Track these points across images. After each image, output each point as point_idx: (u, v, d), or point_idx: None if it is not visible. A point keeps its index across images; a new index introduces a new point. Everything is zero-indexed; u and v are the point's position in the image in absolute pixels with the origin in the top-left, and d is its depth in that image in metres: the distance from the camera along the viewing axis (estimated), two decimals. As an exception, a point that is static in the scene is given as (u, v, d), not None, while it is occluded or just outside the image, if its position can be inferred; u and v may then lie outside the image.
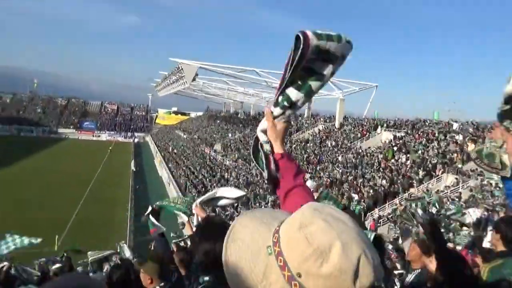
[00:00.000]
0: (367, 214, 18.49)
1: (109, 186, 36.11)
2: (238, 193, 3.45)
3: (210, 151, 45.06)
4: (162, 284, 2.65)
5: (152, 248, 3.38)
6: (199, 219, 3.13)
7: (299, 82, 1.21)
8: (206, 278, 1.70)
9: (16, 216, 24.28)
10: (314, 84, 1.21)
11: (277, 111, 1.27)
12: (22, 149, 53.32)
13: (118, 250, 10.32)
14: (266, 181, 1.34)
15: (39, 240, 7.82)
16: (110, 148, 60.20)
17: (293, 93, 1.22)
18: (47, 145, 63.76)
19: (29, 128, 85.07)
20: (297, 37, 1.12)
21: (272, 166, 1.27)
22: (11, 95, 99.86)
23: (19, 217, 24.08)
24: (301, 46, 1.10)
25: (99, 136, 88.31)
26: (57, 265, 7.68)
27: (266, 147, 1.29)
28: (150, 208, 4.09)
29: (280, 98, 1.25)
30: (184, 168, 40.92)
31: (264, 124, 1.31)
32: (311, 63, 1.17)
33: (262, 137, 1.29)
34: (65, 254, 9.01)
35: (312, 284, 0.65)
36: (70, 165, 45.38)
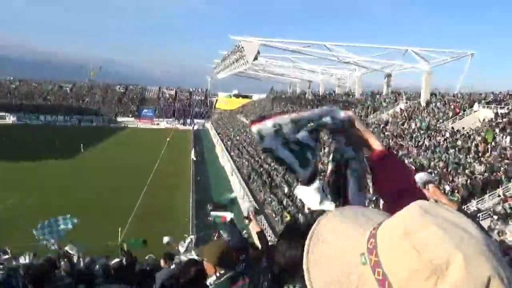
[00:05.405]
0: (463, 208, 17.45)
1: (169, 177, 38.00)
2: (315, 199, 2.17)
3: (275, 137, 45.27)
4: (222, 272, 2.76)
5: (216, 236, 3.52)
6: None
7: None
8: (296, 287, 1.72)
9: (77, 210, 26.65)
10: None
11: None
12: (83, 140, 57.94)
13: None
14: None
15: (75, 221, 8.64)
16: (168, 139, 62.96)
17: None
18: (106, 136, 68.71)
19: (89, 118, 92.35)
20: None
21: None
22: (71, 84, 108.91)
23: (80, 211, 26.41)
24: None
25: (158, 123, 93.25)
26: (116, 260, 8.19)
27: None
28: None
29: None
30: (247, 156, 41.71)
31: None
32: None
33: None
34: (124, 249, 9.63)
35: None
36: (130, 156, 48.54)
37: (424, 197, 1.13)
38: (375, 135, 1.25)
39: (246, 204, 4.50)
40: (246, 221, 4.70)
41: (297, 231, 1.80)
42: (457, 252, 0.55)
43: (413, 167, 22.70)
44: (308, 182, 1.35)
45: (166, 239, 9.85)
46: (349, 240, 0.68)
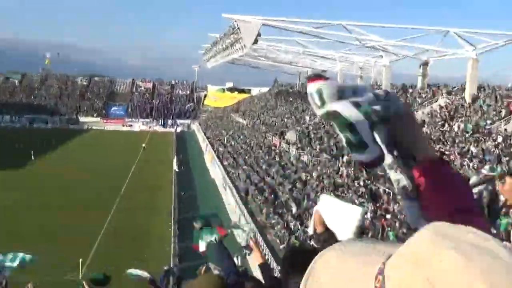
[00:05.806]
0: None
1: (145, 193, 37.98)
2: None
3: (280, 142, 45.33)
4: None
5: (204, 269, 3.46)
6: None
7: None
8: None
9: (27, 237, 26.55)
10: None
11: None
12: (35, 145, 57.74)
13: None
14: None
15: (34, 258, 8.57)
16: (144, 145, 62.96)
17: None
18: (65, 140, 69.00)
19: (43, 117, 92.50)
20: None
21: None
22: (20, 75, 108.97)
23: (30, 238, 26.31)
24: None
25: (130, 125, 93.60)
26: None
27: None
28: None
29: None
30: (244, 167, 41.65)
31: None
32: None
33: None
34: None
35: None
36: (95, 166, 48.49)
37: (483, 219, 1.09)
38: (424, 137, 1.21)
39: (244, 228, 4.44)
40: (247, 252, 4.62)
41: (301, 259, 1.79)
42: (481, 282, 0.54)
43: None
44: (372, 165, 1.26)
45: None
46: (351, 279, 0.68)
